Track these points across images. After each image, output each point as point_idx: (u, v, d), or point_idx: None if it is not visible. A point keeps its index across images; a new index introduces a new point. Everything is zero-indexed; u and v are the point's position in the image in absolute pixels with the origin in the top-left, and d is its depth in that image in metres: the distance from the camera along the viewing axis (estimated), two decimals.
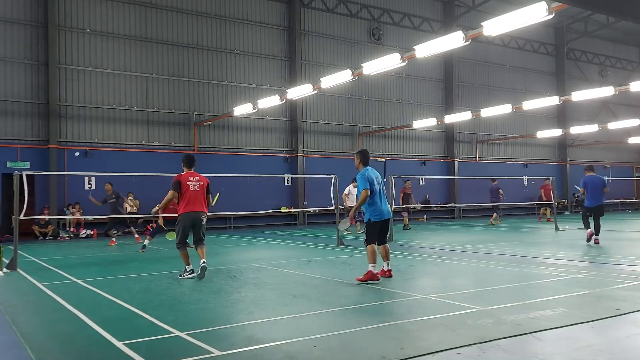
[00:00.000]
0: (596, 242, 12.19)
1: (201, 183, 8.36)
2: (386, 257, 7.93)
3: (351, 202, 16.81)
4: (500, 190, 20.94)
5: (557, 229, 17.15)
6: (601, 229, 12.49)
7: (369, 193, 7.63)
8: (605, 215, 12.62)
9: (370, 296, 6.58)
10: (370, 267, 7.48)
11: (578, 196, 31.82)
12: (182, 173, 8.40)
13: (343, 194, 17.13)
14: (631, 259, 9.77)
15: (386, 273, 7.86)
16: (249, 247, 13.70)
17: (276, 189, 22.87)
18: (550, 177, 20.22)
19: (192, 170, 8.48)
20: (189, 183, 8.23)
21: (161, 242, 15.85)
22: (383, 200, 7.88)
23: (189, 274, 8.21)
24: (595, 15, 30.16)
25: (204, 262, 8.08)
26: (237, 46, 22.54)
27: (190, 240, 8.43)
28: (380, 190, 7.84)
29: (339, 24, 25.16)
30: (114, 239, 15.11)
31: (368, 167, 7.98)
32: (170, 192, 8.26)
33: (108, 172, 17.01)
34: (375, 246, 7.68)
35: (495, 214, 21.30)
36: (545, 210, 23.21)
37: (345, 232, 16.09)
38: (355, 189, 16.44)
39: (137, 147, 20.22)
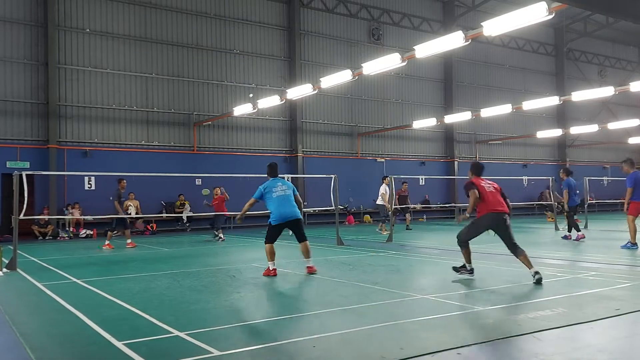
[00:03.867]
0: (582, 237, 13.35)
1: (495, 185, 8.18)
2: (307, 255, 8.63)
3: (384, 201, 17.17)
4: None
5: (557, 229, 17.15)
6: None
7: (255, 201, 8.76)
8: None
9: (370, 296, 6.57)
10: (269, 264, 8.35)
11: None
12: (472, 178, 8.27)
13: (381, 194, 17.44)
14: (630, 258, 9.78)
15: (306, 269, 8.52)
16: (249, 247, 13.69)
17: None
18: (550, 178, 20.24)
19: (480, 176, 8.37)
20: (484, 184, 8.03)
21: (161, 242, 15.85)
22: (285, 205, 8.47)
23: (468, 273, 7.83)
24: (595, 15, 30.14)
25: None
26: (237, 46, 22.54)
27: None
28: (281, 197, 8.52)
29: (338, 24, 25.15)
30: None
31: (275, 178, 8.80)
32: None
33: (108, 172, 16.98)
34: (273, 246, 8.40)
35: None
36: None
37: (384, 232, 16.71)
38: (387, 187, 16.92)
39: (137, 147, 20.21)
